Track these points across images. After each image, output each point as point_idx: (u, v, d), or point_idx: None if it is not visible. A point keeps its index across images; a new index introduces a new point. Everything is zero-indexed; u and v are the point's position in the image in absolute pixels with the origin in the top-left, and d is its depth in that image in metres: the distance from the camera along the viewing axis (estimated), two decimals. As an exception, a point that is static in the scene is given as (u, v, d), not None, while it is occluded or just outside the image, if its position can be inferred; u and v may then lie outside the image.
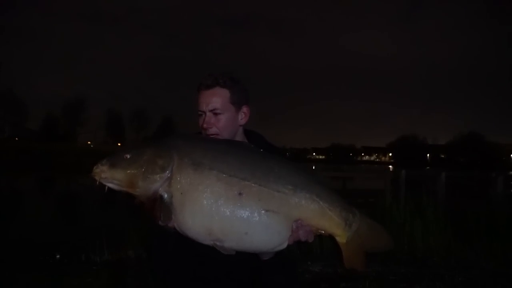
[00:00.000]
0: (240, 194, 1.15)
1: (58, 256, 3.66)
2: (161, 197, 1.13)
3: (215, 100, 1.46)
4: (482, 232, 3.95)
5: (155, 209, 1.14)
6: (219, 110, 1.46)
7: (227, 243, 1.14)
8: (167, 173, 1.15)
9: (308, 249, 3.68)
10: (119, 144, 65.55)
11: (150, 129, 72.27)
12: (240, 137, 1.58)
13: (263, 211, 1.14)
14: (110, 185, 1.17)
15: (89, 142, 68.68)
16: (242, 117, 1.54)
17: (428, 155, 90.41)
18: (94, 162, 1.22)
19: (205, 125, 1.45)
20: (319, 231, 1.22)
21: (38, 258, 3.61)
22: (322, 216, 1.21)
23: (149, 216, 1.17)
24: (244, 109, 1.54)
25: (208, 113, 1.46)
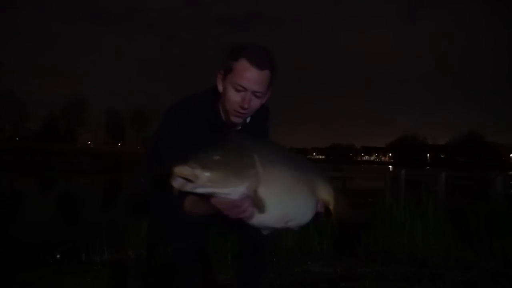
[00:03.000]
0: (299, 183, 1.36)
1: (58, 256, 3.66)
2: (255, 192, 1.22)
3: (262, 83, 1.43)
4: (482, 232, 3.95)
5: (243, 205, 1.19)
6: (261, 93, 1.45)
7: (294, 222, 1.37)
8: (255, 171, 1.21)
9: (308, 249, 3.68)
10: (119, 144, 65.53)
11: (150, 129, 72.27)
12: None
13: (309, 194, 1.42)
14: (201, 189, 1.13)
15: (89, 142, 68.71)
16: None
17: (428, 155, 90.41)
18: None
19: (246, 105, 1.42)
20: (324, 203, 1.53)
21: (38, 258, 3.61)
22: (328, 193, 1.53)
23: (229, 214, 1.20)
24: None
25: (249, 94, 1.42)
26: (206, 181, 1.12)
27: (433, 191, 5.48)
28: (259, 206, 1.23)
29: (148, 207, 1.71)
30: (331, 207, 1.54)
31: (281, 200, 1.29)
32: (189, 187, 1.11)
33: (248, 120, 1.59)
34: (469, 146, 76.16)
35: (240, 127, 1.56)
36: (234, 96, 1.42)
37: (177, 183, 1.11)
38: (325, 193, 1.51)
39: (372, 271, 3.13)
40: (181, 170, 1.09)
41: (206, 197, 1.19)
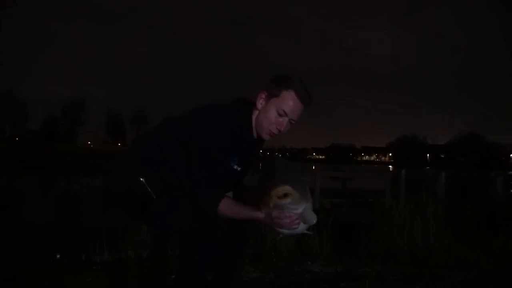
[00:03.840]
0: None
1: (58, 256, 3.66)
2: (308, 208, 1.54)
3: (299, 115, 1.69)
4: (482, 232, 3.95)
5: (299, 218, 1.53)
6: (294, 122, 1.70)
7: (309, 229, 1.65)
8: (308, 191, 1.56)
9: (308, 249, 3.68)
10: (119, 144, 65.49)
11: (150, 129, 71.94)
12: None
13: None
14: (290, 204, 1.46)
15: (89, 142, 68.69)
16: None
17: (428, 155, 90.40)
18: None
19: (282, 128, 1.67)
20: None
21: (38, 258, 3.61)
22: None
23: (283, 226, 1.51)
24: None
25: (287, 119, 1.66)
26: (297, 199, 1.45)
27: (433, 191, 5.48)
28: (310, 219, 1.56)
29: (153, 208, 1.67)
30: None
31: (312, 213, 1.59)
32: (285, 202, 1.44)
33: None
34: (469, 146, 76.18)
35: (254, 140, 1.77)
36: (274, 118, 1.65)
37: (277, 199, 1.43)
38: None
39: (372, 271, 3.13)
40: (284, 189, 1.42)
41: (248, 208, 1.55)
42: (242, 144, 1.69)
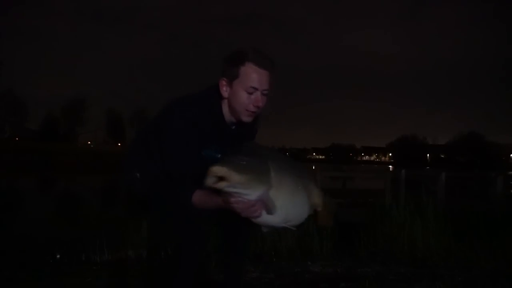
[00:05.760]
0: (298, 188, 1.50)
1: (58, 256, 3.66)
2: (267, 195, 1.37)
3: (268, 82, 1.56)
4: (482, 232, 3.95)
5: (256, 205, 1.34)
6: (267, 91, 1.56)
7: (293, 223, 1.51)
8: (271, 176, 1.38)
9: (308, 249, 3.68)
10: (119, 144, 65.50)
11: (150, 129, 71.90)
12: None
13: (306, 198, 1.54)
14: (229, 188, 1.29)
15: (89, 142, 68.73)
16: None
17: (428, 155, 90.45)
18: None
19: (260, 104, 1.54)
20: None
21: (38, 258, 3.61)
22: (318, 197, 1.65)
23: (241, 213, 1.35)
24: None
25: (259, 93, 1.54)
26: (237, 182, 1.28)
27: (433, 191, 5.47)
28: (270, 208, 1.38)
29: (149, 204, 1.71)
30: (319, 209, 1.68)
31: (285, 204, 1.43)
32: (221, 186, 1.27)
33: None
34: (469, 146, 76.27)
35: (234, 126, 1.65)
36: (245, 98, 1.53)
37: (211, 180, 1.26)
38: (316, 197, 1.65)
39: (372, 271, 3.13)
40: (218, 170, 1.25)
41: (216, 195, 1.37)
42: (216, 132, 1.60)
